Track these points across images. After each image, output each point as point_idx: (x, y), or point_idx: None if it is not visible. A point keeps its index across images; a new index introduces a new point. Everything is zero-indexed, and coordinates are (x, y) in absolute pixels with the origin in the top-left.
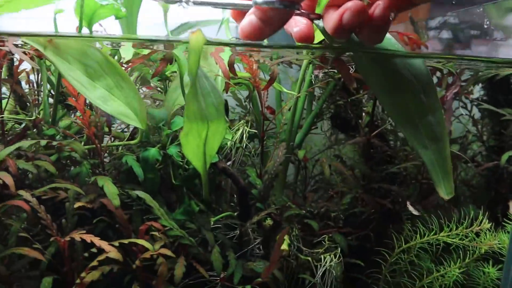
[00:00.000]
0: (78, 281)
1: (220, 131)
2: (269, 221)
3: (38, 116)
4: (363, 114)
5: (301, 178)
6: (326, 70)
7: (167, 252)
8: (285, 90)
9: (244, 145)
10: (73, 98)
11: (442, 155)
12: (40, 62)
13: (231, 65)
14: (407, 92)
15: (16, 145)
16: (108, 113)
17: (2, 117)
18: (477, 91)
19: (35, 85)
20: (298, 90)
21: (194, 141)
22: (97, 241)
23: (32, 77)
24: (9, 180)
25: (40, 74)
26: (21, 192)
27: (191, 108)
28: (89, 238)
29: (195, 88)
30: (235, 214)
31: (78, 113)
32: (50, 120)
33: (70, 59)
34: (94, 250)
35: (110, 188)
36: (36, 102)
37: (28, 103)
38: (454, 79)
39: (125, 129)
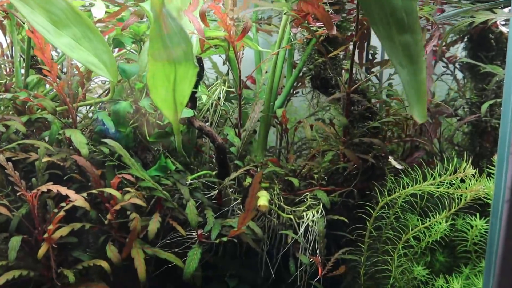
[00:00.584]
0: (46, 235)
1: (189, 76)
2: (248, 180)
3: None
4: (342, 71)
5: (282, 141)
6: (304, 25)
7: (139, 201)
8: (260, 48)
9: (222, 104)
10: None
11: (417, 78)
12: (10, 25)
13: (202, 14)
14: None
15: None
16: (76, 60)
17: None
18: (459, 51)
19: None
20: (278, 47)
21: (162, 85)
22: (63, 190)
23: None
24: None
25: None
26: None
27: (155, 46)
28: (55, 188)
29: (158, 24)
30: (214, 173)
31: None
32: (22, 85)
33: (32, 4)
34: (63, 204)
35: (78, 138)
36: (6, 67)
37: None
38: (433, 30)
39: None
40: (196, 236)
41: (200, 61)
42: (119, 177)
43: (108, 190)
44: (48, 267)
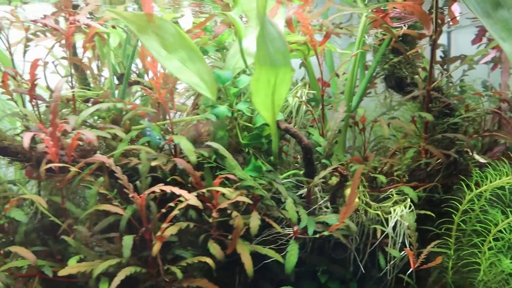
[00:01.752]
0: (159, 233)
1: (286, 79)
2: (334, 179)
3: (105, 90)
4: (419, 70)
5: (355, 141)
6: (383, 25)
7: (245, 199)
8: (340, 50)
9: (304, 107)
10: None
11: None
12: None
13: (289, 21)
14: None
15: (96, 106)
16: (184, 82)
17: (74, 91)
18: None
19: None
20: (357, 48)
21: (263, 89)
22: (177, 190)
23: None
24: (91, 135)
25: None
26: (97, 155)
27: (260, 53)
28: (169, 189)
29: (263, 31)
30: (301, 172)
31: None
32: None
33: (149, 31)
34: (172, 204)
35: (186, 145)
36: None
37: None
38: None
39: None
40: (291, 232)
41: None
42: (221, 177)
43: (219, 189)
44: (154, 265)
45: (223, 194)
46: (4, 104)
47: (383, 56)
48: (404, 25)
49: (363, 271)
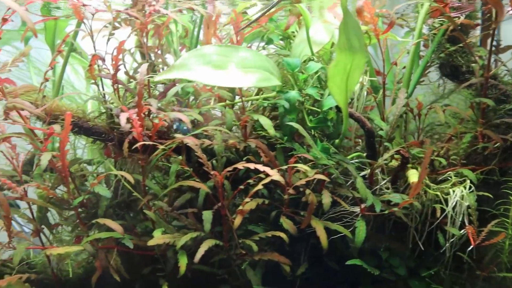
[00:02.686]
0: (240, 207)
1: (360, 65)
2: (394, 161)
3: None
4: (476, 58)
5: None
6: (445, 14)
7: (323, 177)
8: (400, 39)
9: (365, 93)
10: None
11: None
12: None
13: (359, 10)
14: None
15: (177, 87)
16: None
17: (151, 76)
18: None
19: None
20: (418, 37)
21: (339, 74)
22: (260, 167)
23: None
24: (183, 117)
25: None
26: (177, 135)
27: (341, 39)
28: (252, 166)
29: (346, 19)
30: (364, 154)
31: None
32: None
33: None
34: (250, 181)
35: (264, 120)
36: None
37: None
38: None
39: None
40: (357, 210)
41: None
42: (297, 156)
43: (300, 166)
44: (228, 238)
45: (298, 171)
46: (73, 87)
47: (438, 45)
48: (461, 15)
49: (422, 249)
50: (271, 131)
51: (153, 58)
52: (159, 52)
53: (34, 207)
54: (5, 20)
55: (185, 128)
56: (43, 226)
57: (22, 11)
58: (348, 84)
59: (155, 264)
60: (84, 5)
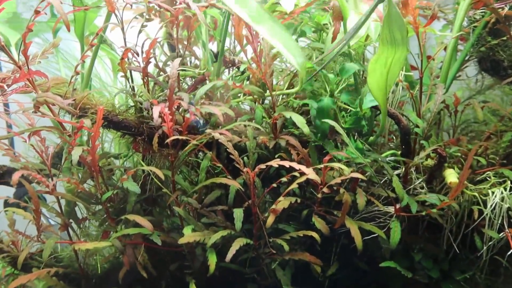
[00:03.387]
0: (273, 206)
1: (401, 60)
2: (430, 160)
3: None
4: None
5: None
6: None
7: (359, 175)
8: (439, 33)
9: (400, 88)
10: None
11: None
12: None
13: (405, 3)
14: None
15: (211, 83)
16: (274, 45)
17: (182, 70)
18: None
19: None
20: (458, 30)
21: (379, 69)
22: (295, 165)
23: None
24: (217, 111)
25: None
26: (208, 130)
27: (384, 32)
28: (287, 163)
29: (390, 11)
30: (399, 152)
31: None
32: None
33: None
34: (284, 179)
35: (298, 118)
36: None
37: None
38: None
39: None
40: (390, 211)
41: None
42: (332, 155)
43: (335, 165)
44: (258, 236)
45: (332, 169)
46: (99, 79)
47: (478, 39)
48: (506, 5)
49: (457, 251)
50: (305, 130)
51: (181, 51)
52: (188, 44)
53: (62, 201)
54: (37, 12)
55: (201, 122)
56: (71, 220)
57: (57, 4)
58: (388, 79)
59: (182, 261)
60: None
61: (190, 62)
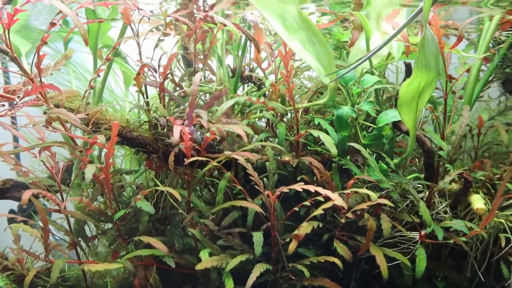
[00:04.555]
0: (296, 231)
1: (433, 84)
2: (454, 185)
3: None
4: None
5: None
6: None
7: (386, 201)
8: (464, 54)
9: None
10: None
11: None
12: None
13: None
14: None
15: (234, 99)
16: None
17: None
18: None
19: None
20: (484, 51)
21: (412, 92)
22: (321, 190)
23: None
24: (240, 130)
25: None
26: (226, 152)
27: (420, 56)
28: (312, 188)
29: (425, 34)
30: (422, 176)
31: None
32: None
33: (271, 11)
34: (307, 203)
35: (326, 137)
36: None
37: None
38: None
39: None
40: (415, 236)
41: (409, 66)
42: (356, 179)
43: (361, 190)
44: (276, 260)
45: (356, 192)
46: (111, 92)
47: (502, 60)
48: None
49: (482, 279)
50: (333, 150)
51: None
52: (203, 58)
53: (71, 219)
54: (53, 24)
55: (201, 136)
56: (79, 239)
57: (74, 16)
58: (419, 103)
59: (195, 283)
60: (139, 9)
61: (205, 77)
